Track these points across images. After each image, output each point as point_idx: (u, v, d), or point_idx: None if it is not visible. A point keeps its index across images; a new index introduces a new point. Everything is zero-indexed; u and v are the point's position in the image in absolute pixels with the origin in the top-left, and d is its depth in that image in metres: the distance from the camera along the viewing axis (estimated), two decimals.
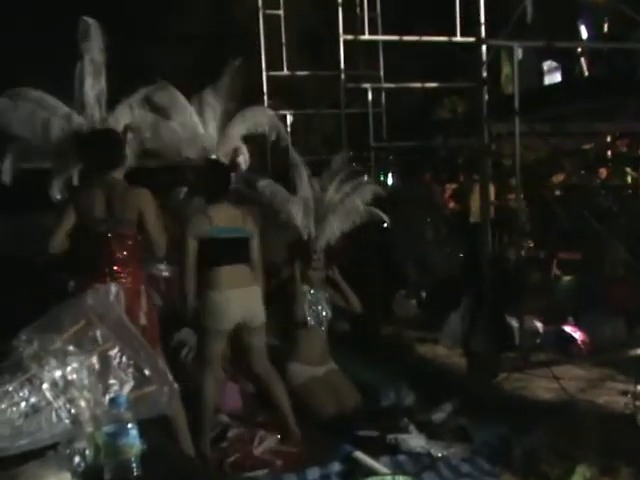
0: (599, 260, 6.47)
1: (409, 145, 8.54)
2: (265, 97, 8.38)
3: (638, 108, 5.92)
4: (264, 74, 8.40)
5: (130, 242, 3.49)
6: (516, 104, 5.17)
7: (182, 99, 4.43)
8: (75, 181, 3.86)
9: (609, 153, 8.48)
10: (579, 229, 6.00)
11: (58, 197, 3.85)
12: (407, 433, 3.87)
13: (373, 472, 3.33)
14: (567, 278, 7.21)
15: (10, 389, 1.73)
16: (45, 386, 1.75)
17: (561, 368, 4.95)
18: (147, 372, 1.85)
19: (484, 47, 5.04)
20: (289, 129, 8.55)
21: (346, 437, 3.82)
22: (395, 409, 4.37)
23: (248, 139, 4.82)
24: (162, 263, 4.63)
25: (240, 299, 3.86)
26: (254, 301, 3.95)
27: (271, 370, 4.08)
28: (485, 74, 5.07)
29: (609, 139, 8.39)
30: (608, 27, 8.03)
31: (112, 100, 3.83)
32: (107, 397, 1.77)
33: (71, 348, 1.82)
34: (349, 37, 7.63)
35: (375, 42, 8.49)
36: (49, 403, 1.74)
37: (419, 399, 4.51)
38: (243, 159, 4.65)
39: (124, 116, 3.85)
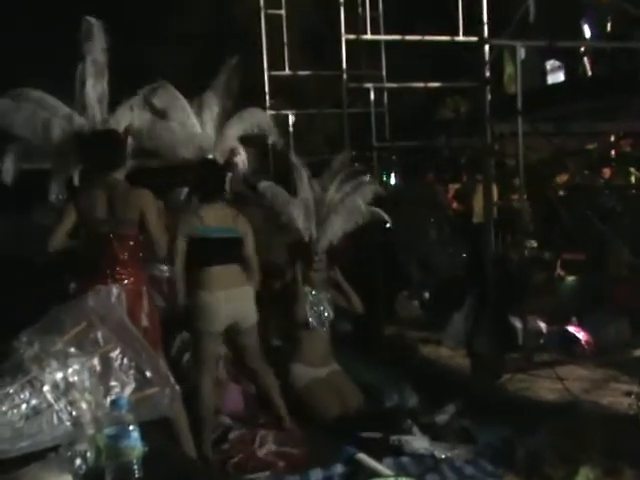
0: (603, 260, 6.46)
1: (412, 145, 8.53)
2: (267, 97, 8.38)
3: None
4: (266, 74, 8.39)
5: (132, 243, 3.49)
6: (519, 104, 5.16)
7: (182, 99, 4.42)
8: (76, 182, 3.85)
9: (613, 153, 8.47)
10: (583, 229, 5.98)
11: (59, 197, 3.84)
12: (410, 434, 3.86)
13: (376, 474, 3.32)
14: (571, 278, 7.21)
15: (11, 391, 1.72)
16: (46, 388, 1.74)
17: (565, 369, 4.95)
18: (148, 374, 1.85)
19: (487, 47, 5.04)
20: (291, 129, 8.56)
21: (349, 439, 3.81)
22: (398, 410, 4.35)
23: (250, 141, 4.81)
24: (164, 264, 4.62)
25: (231, 299, 3.86)
26: (246, 301, 3.95)
27: (265, 366, 4.13)
28: (488, 74, 5.07)
29: (613, 139, 8.39)
30: (611, 26, 8.01)
31: (112, 100, 3.82)
32: (108, 399, 1.77)
33: (72, 350, 1.81)
34: (351, 37, 7.61)
35: (377, 42, 8.47)
36: (50, 405, 1.73)
37: (422, 400, 4.49)
38: (240, 160, 4.64)
39: (125, 117, 3.84)
